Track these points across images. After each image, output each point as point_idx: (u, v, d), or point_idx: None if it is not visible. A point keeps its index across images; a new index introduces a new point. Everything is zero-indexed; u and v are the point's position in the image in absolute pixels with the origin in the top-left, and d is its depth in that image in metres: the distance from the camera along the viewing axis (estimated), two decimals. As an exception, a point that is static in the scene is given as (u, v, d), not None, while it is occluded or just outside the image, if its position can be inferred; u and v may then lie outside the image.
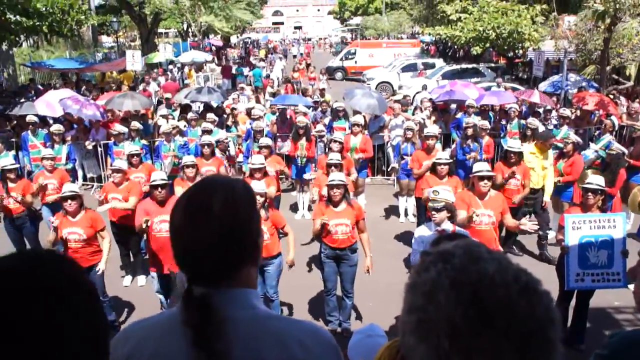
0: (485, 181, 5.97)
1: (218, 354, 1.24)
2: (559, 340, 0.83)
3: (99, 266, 5.95)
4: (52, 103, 12.33)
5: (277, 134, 11.51)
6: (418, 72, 24.76)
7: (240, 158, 10.67)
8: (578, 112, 12.17)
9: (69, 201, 5.92)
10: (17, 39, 17.64)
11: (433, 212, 5.23)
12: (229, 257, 1.33)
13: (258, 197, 5.48)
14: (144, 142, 10.63)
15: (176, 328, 1.30)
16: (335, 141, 8.34)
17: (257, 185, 5.72)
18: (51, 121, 11.99)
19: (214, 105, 13.70)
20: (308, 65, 27.24)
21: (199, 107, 14.39)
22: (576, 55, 17.34)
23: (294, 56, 46.07)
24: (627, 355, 1.49)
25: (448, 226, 5.17)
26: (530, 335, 0.80)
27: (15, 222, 7.34)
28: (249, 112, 12.20)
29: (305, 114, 11.65)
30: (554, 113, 11.81)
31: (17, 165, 7.72)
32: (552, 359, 0.82)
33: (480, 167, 6.12)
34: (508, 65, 27.48)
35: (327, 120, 11.74)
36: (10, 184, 7.24)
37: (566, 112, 10.75)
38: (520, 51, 25.16)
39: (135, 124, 10.57)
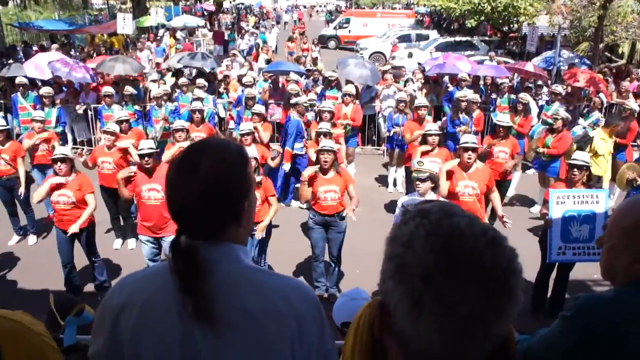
0: (470, 153, 6.04)
1: (203, 299, 1.32)
2: (520, 289, 0.93)
3: (70, 229, 5.85)
4: (40, 65, 12.17)
5: (269, 102, 11.49)
6: (392, 45, 24.56)
7: (232, 125, 10.66)
8: (569, 89, 12.24)
9: (59, 164, 5.93)
10: (4, -3, 17.27)
11: (417, 183, 5.35)
12: (213, 214, 1.40)
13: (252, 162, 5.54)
14: (136, 107, 10.56)
15: (168, 278, 1.38)
16: (325, 111, 8.37)
17: (250, 151, 5.78)
18: (40, 84, 11.87)
19: (207, 71, 13.61)
20: (302, 34, 26.78)
21: (190, 72, 14.28)
22: (570, 32, 17.32)
23: (286, 23, 45.50)
24: (587, 316, 1.61)
25: (432, 196, 5.28)
26: (493, 281, 0.90)
27: (6, 183, 7.35)
28: (240, 79, 12.14)
29: (297, 82, 11.60)
30: (544, 89, 11.87)
31: (8, 127, 7.68)
32: (512, 303, 0.92)
33: (466, 139, 6.20)
34: (502, 40, 27.38)
35: (319, 89, 11.73)
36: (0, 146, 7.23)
37: (558, 88, 10.81)
38: (515, 25, 25.04)
39: (129, 89, 10.49)
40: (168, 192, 1.44)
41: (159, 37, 22.57)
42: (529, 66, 12.69)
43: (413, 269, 0.91)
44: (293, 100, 9.16)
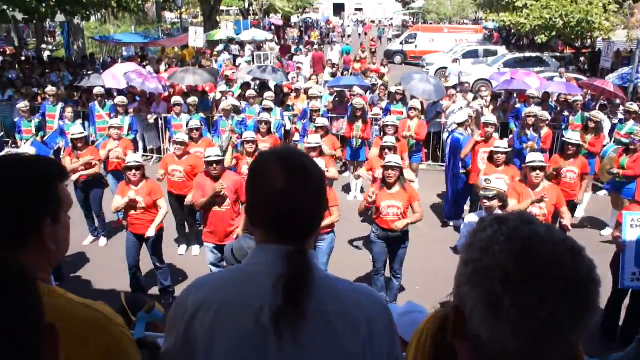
0: (538, 172, 5.91)
1: (303, 306, 1.36)
2: (598, 300, 0.92)
3: (147, 233, 6.19)
4: (117, 75, 12.81)
5: (334, 115, 11.56)
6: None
7: (297, 137, 10.79)
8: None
9: (133, 171, 6.21)
10: (87, 12, 18.33)
11: (484, 201, 5.26)
12: (318, 218, 1.47)
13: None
14: (201, 115, 10.87)
15: (243, 281, 1.43)
16: (389, 125, 8.35)
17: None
18: (115, 93, 12.46)
19: (273, 84, 13.88)
20: (373, 53, 25.99)
21: (256, 84, 14.60)
22: (650, 47, 16.53)
23: (349, 36, 45.74)
24: None
25: (499, 215, 5.17)
26: (572, 288, 0.90)
27: (83, 187, 7.72)
28: (306, 92, 12.30)
29: (362, 96, 11.63)
30: (622, 107, 11.36)
31: (86, 134, 8.11)
32: (591, 313, 0.91)
33: (534, 158, 6.05)
34: (575, 56, 26.46)
35: (384, 104, 11.72)
36: (79, 152, 7.63)
37: (633, 106, 10.32)
38: (589, 41, 24.15)
39: (193, 99, 10.87)
40: (271, 198, 1.42)
41: (216, 53, 23.05)
42: (609, 86, 12.11)
43: (491, 272, 0.92)
44: (461, 119, 8.99)
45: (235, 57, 23.29)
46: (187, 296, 1.49)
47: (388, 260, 6.15)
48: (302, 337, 1.36)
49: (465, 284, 0.97)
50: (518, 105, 11.54)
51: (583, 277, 0.91)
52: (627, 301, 5.55)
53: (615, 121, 10.66)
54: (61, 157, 8.61)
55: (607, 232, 8.16)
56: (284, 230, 1.43)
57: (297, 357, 1.37)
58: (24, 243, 1.34)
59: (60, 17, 18.59)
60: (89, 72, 15.22)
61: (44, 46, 27.68)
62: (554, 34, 22.75)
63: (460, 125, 8.95)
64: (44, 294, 1.36)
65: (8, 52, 24.36)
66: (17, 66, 17.63)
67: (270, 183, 1.42)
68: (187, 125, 8.94)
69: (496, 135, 8.90)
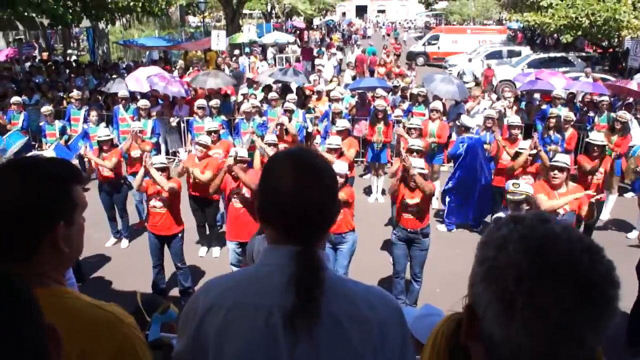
0: (555, 172, 5.84)
1: (318, 307, 1.34)
2: (616, 302, 0.90)
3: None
4: (140, 79, 12.95)
5: (355, 117, 11.53)
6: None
7: (318, 139, 10.78)
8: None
9: (159, 172, 6.28)
10: (112, 17, 18.63)
11: (512, 205, 5.21)
12: (329, 218, 1.47)
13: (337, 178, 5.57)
14: (222, 117, 10.94)
15: (254, 282, 1.42)
16: (413, 128, 8.29)
17: (338, 166, 5.83)
18: (139, 96, 12.62)
19: (295, 86, 13.90)
20: (397, 56, 25.68)
21: (277, 87, 14.63)
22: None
23: (369, 37, 45.69)
24: None
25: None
26: (589, 287, 0.87)
27: (107, 188, 7.84)
28: (328, 94, 12.29)
29: (384, 98, 11.58)
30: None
31: (112, 137, 8.23)
32: (609, 315, 0.89)
33: (557, 158, 6.03)
34: (602, 55, 25.95)
35: (405, 106, 11.65)
36: (104, 154, 7.74)
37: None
38: (616, 40, 23.67)
39: (217, 102, 10.96)
40: (284, 197, 1.41)
41: (234, 56, 23.07)
42: (633, 85, 11.89)
43: (506, 270, 0.91)
44: (473, 122, 8.93)
45: (257, 59, 23.35)
46: (198, 298, 1.48)
47: (408, 264, 6.10)
48: (315, 338, 1.35)
49: (479, 283, 0.95)
50: (544, 106, 11.38)
51: (600, 277, 0.89)
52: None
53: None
54: (85, 160, 8.75)
55: (634, 235, 8.01)
56: (294, 231, 1.42)
57: (309, 358, 1.36)
58: (37, 245, 1.36)
59: (85, 23, 18.94)
60: (113, 77, 15.45)
61: (70, 51, 28.22)
62: (579, 33, 22.35)
63: (466, 130, 8.90)
64: (57, 295, 1.39)
65: (41, 57, 24.77)
66: (44, 71, 17.97)
67: (280, 182, 1.42)
68: (208, 128, 9.00)
69: (520, 137, 8.80)
